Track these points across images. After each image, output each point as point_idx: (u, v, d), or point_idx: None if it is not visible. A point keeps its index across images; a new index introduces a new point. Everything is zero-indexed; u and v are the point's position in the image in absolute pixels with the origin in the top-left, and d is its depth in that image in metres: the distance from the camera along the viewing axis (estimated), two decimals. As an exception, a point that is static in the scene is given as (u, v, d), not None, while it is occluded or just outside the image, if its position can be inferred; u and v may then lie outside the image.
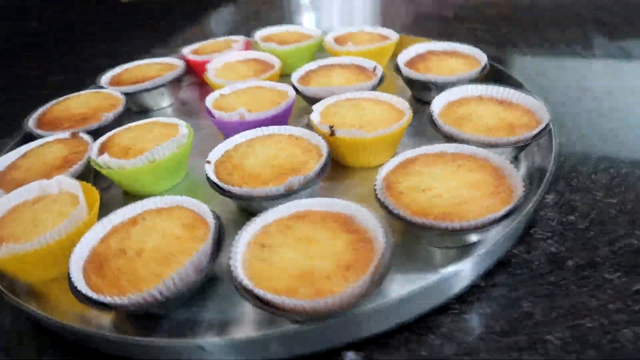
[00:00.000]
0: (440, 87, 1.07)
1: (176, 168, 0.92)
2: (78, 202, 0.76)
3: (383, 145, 0.89)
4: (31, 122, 1.09)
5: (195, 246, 0.65)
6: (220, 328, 0.64)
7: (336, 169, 0.93)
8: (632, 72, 1.34)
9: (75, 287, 0.63)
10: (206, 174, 0.82)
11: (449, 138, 0.87)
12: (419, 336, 0.62)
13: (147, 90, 1.23)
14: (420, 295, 0.62)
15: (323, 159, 0.82)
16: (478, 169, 0.75)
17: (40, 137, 1.02)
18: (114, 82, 1.27)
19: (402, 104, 0.95)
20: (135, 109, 1.28)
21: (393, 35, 1.36)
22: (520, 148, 0.87)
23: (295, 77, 1.16)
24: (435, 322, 0.64)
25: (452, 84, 1.05)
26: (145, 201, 0.75)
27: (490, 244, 0.67)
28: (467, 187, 0.71)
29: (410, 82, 1.14)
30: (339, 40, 1.35)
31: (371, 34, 1.38)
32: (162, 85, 1.25)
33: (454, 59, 1.16)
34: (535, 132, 0.84)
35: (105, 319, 0.67)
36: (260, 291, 0.57)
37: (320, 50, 1.42)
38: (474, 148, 0.80)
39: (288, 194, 0.76)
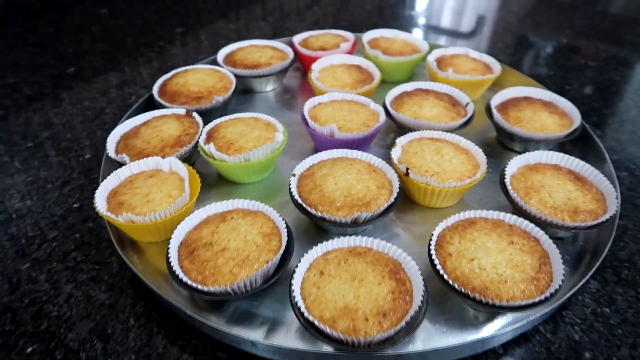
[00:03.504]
0: (525, 141, 1.13)
1: (266, 167, 1.06)
2: (184, 188, 0.92)
3: (451, 194, 0.97)
4: (155, 90, 1.26)
5: (268, 257, 0.79)
6: (271, 326, 0.79)
7: (404, 200, 1.03)
8: None
9: (172, 267, 0.80)
10: (289, 187, 0.95)
11: (514, 205, 0.93)
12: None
13: (258, 77, 1.36)
14: (441, 352, 0.74)
15: (392, 198, 0.91)
16: (528, 250, 0.81)
17: (162, 106, 1.19)
18: (229, 61, 1.41)
19: (481, 157, 1.01)
20: (241, 87, 1.43)
21: (495, 67, 1.38)
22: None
23: (389, 97, 1.23)
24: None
25: (536, 142, 1.10)
26: (236, 201, 0.90)
27: (521, 318, 0.76)
28: (512, 267, 0.78)
29: (498, 128, 1.18)
30: (441, 63, 1.39)
31: (475, 61, 1.40)
32: (271, 74, 1.37)
33: (548, 113, 1.17)
34: (595, 222, 0.88)
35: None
36: (309, 317, 0.70)
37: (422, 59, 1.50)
38: (532, 226, 0.86)
39: (355, 225, 0.87)
